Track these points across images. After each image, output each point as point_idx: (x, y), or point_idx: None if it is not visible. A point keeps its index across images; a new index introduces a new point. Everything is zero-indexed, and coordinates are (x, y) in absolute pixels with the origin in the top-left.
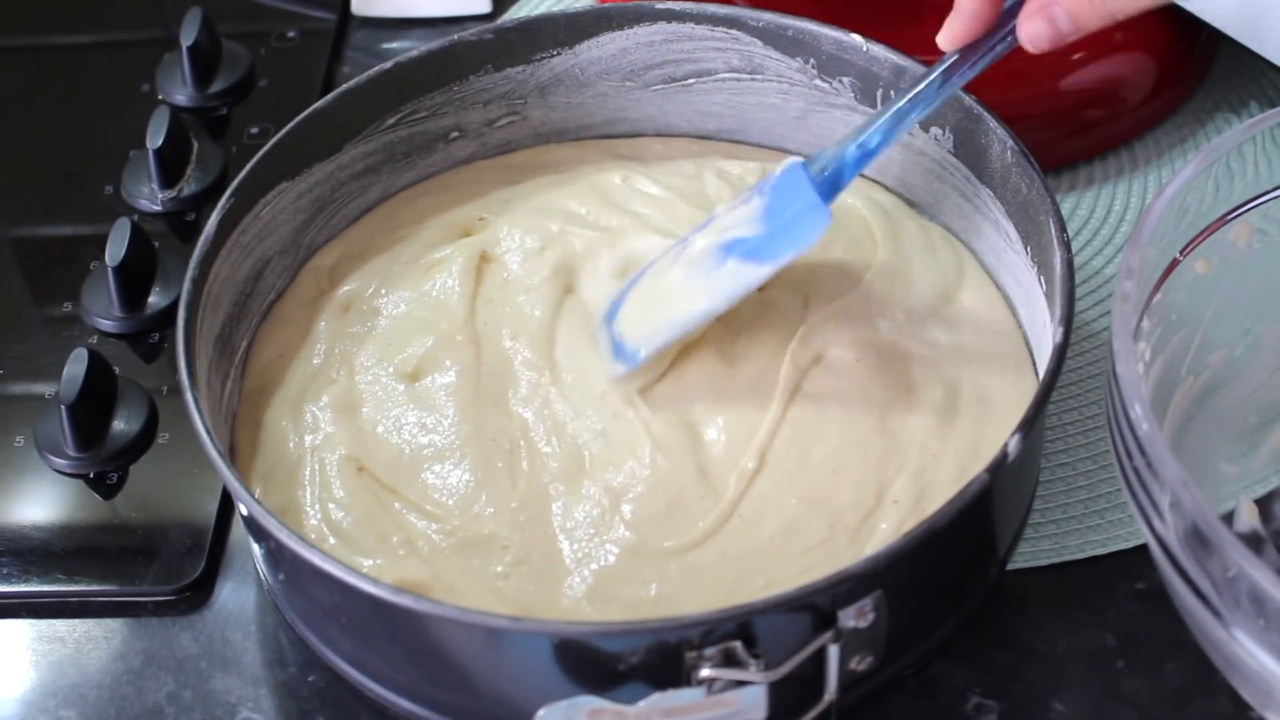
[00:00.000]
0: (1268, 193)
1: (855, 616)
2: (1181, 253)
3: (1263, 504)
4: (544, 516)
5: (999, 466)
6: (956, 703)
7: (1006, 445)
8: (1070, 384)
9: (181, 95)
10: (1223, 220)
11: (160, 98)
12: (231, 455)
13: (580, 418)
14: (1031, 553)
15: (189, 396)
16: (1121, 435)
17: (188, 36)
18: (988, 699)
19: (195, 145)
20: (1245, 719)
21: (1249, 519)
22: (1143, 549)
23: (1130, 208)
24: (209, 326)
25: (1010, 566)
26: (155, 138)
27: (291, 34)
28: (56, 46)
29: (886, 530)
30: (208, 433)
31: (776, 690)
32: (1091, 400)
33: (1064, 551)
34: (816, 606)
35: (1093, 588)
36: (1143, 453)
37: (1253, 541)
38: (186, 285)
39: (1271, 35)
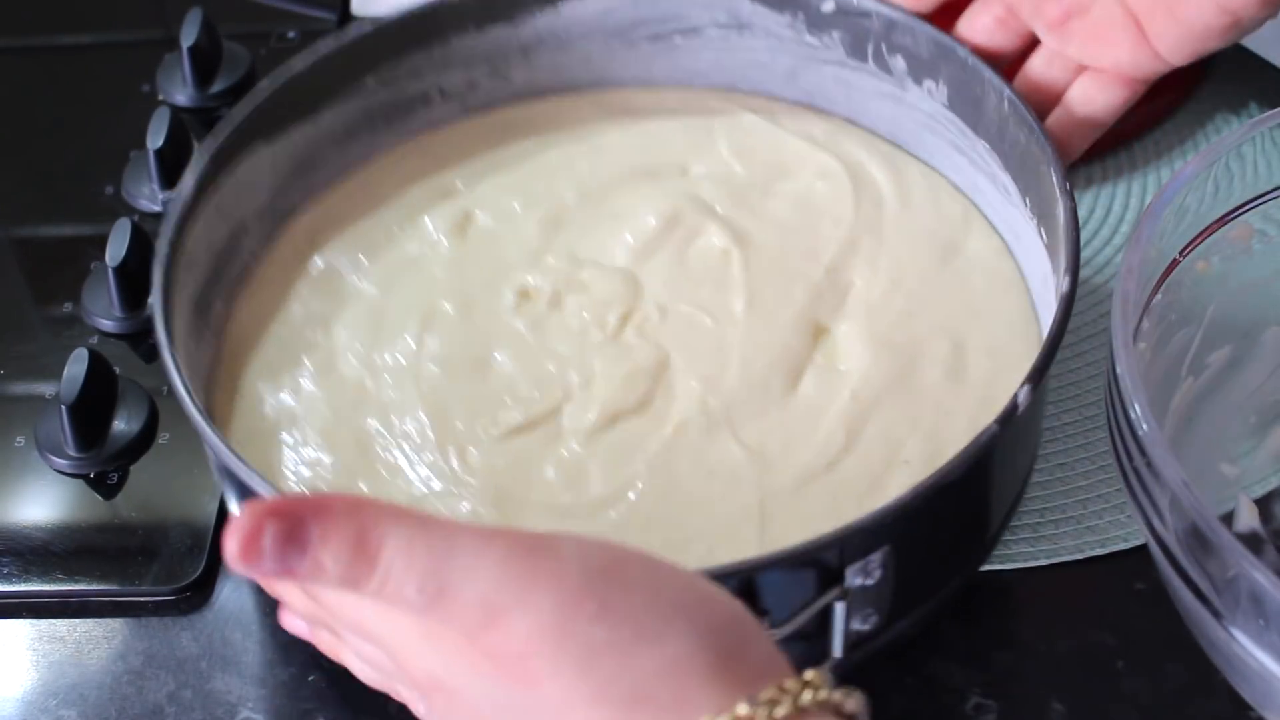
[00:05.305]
0: (1268, 193)
1: (862, 574)
2: (1181, 253)
3: (1263, 504)
4: (528, 477)
5: (1009, 417)
6: (956, 703)
7: (1017, 396)
8: (1070, 384)
9: (182, 95)
10: (1223, 220)
11: (160, 98)
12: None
13: (565, 373)
14: (1031, 553)
15: (166, 354)
16: (1121, 435)
17: (188, 37)
18: (987, 699)
19: (195, 145)
20: (1245, 719)
21: (1249, 519)
22: (1143, 549)
23: (1130, 208)
24: (185, 289)
25: (1010, 566)
26: (155, 138)
27: (291, 34)
28: (56, 46)
29: (896, 490)
30: (187, 390)
31: (780, 648)
32: (1091, 400)
33: (1063, 552)
34: (824, 563)
35: (1093, 588)
36: (1143, 453)
37: (1253, 541)
38: (163, 246)
39: (1271, 35)
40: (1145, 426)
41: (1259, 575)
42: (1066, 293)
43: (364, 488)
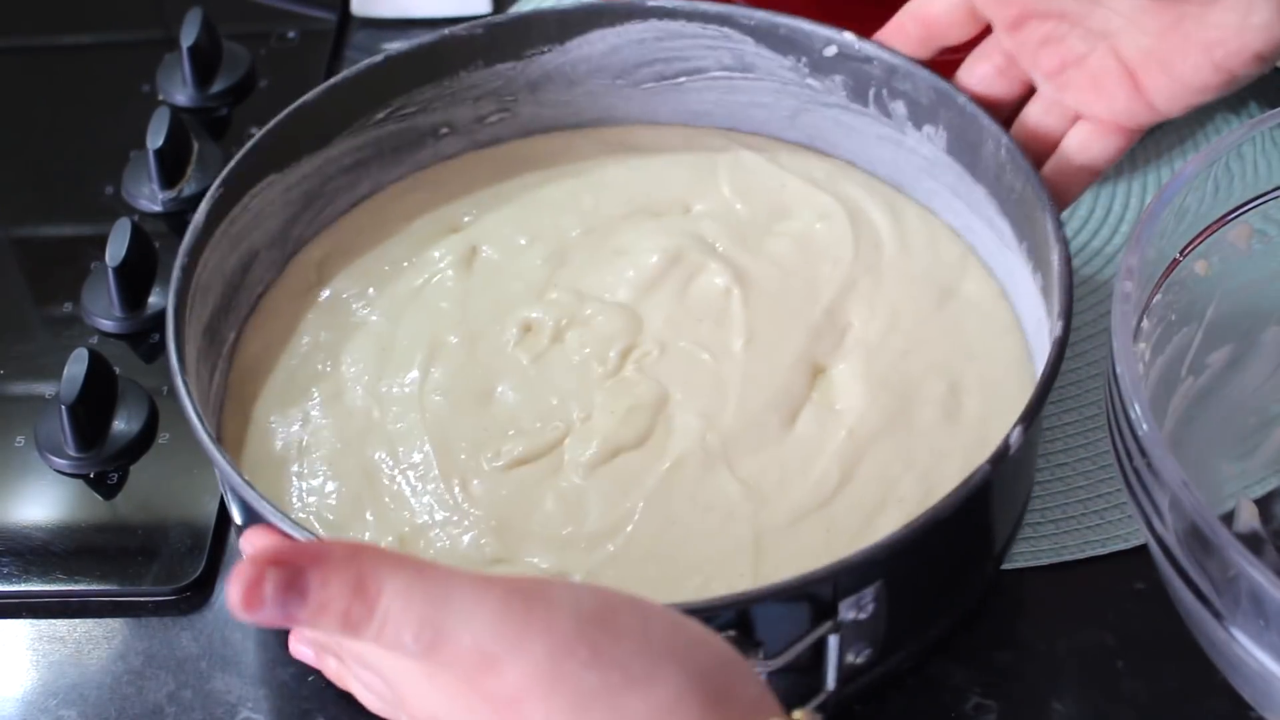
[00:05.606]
0: (1268, 193)
1: (855, 608)
2: (1181, 253)
3: (1263, 504)
4: (529, 509)
5: (1001, 458)
6: (956, 703)
7: (1008, 437)
8: (1070, 384)
9: (182, 95)
10: (1223, 220)
11: (160, 98)
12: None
13: (567, 407)
14: (1031, 553)
15: (179, 382)
16: (1121, 435)
17: (188, 37)
18: (987, 699)
19: (195, 145)
20: (1245, 719)
21: (1249, 519)
22: (1143, 549)
23: (1130, 208)
24: (197, 316)
25: (1010, 566)
26: (155, 138)
27: (291, 34)
28: (56, 46)
29: (889, 528)
30: (199, 417)
31: (774, 681)
32: (1091, 400)
33: (1064, 551)
34: (817, 596)
35: (1093, 588)
36: (1143, 453)
37: (1253, 541)
38: (176, 273)
39: None
40: (1145, 426)
41: (1259, 575)
42: (1059, 337)
43: (369, 517)
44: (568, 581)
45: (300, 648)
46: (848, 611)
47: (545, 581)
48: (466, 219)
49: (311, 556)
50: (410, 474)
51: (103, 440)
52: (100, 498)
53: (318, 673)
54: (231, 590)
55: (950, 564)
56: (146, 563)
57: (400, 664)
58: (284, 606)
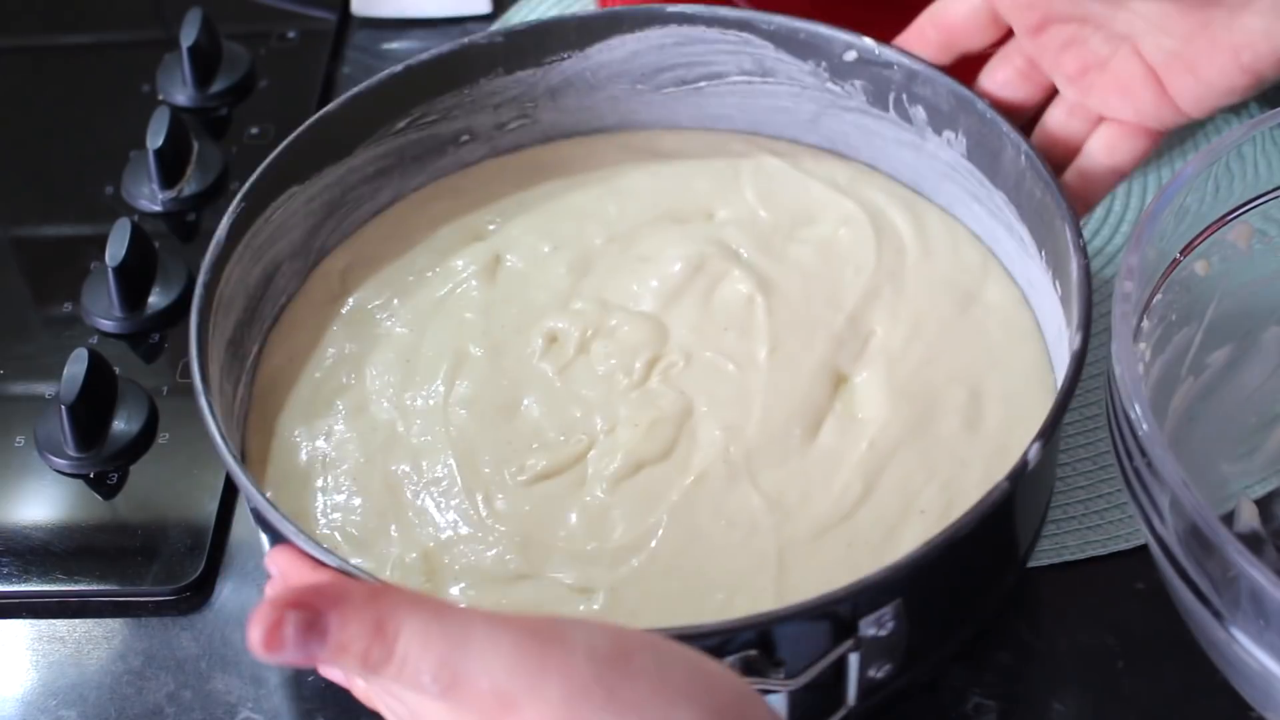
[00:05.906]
0: (1268, 193)
1: (875, 625)
2: (1181, 253)
3: (1263, 504)
4: (553, 523)
5: (1019, 474)
6: (956, 703)
7: (1027, 453)
8: None
9: (182, 95)
10: (1223, 220)
11: (160, 98)
12: (242, 462)
13: (591, 420)
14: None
15: (203, 401)
16: (1121, 435)
17: (188, 37)
18: (988, 699)
19: (195, 145)
20: (1245, 719)
21: (1249, 519)
22: (1143, 549)
23: (1130, 208)
24: (220, 331)
25: None
26: (155, 138)
27: (291, 34)
28: (56, 46)
29: (911, 540)
30: (223, 438)
31: (795, 698)
32: (1091, 400)
33: (1064, 552)
34: (837, 615)
35: (1093, 588)
36: (1143, 453)
37: (1253, 541)
38: (199, 290)
39: None
40: (1145, 426)
41: (1259, 575)
42: (1078, 350)
43: (394, 533)
44: (583, 621)
45: (330, 669)
46: (868, 629)
47: (560, 621)
48: (490, 227)
49: (331, 598)
50: (434, 489)
51: (103, 440)
52: (100, 498)
53: (317, 673)
54: (253, 633)
55: (970, 578)
56: (146, 563)
57: (423, 700)
58: (304, 648)
